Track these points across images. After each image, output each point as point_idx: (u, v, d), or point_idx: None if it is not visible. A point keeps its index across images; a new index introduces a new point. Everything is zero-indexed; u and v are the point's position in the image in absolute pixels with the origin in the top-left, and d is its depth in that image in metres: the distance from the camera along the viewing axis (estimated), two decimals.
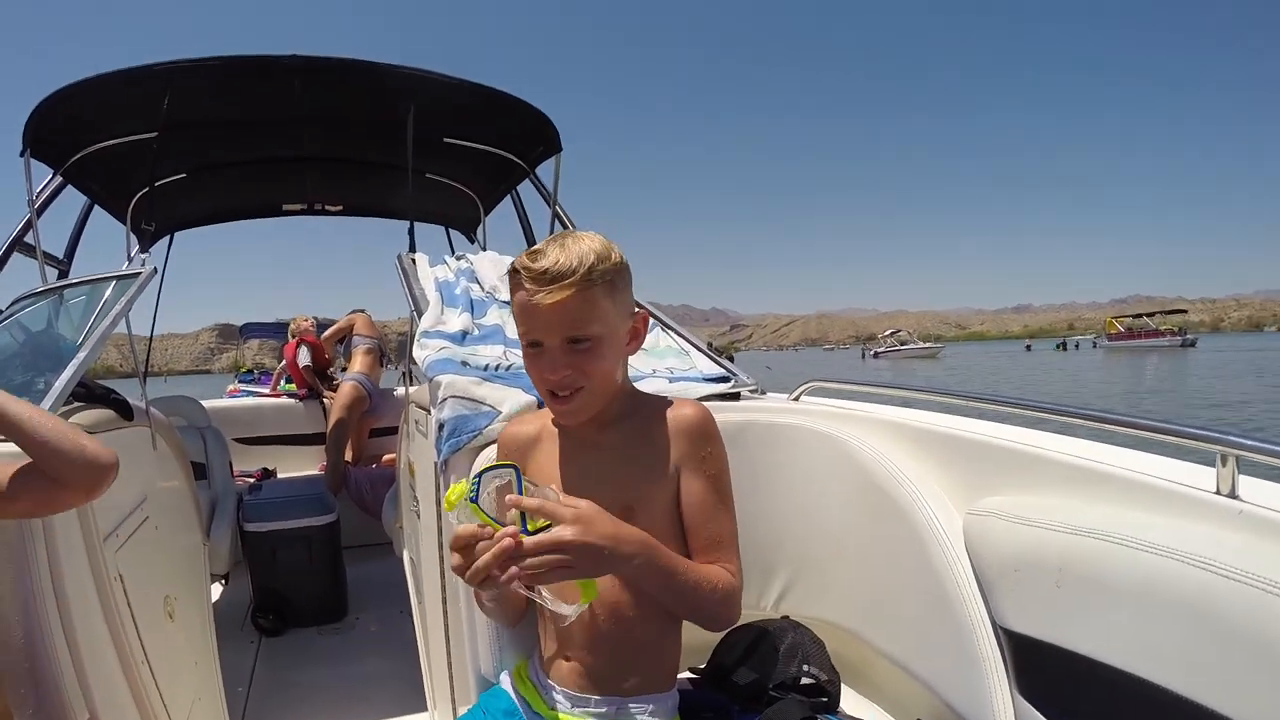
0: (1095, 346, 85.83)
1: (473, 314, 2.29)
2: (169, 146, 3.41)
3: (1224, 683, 0.99)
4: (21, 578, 1.50)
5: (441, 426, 1.74)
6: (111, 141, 3.33)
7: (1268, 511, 1.07)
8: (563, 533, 1.13)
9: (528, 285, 1.29)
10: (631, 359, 1.48)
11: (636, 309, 1.43)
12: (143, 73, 3.02)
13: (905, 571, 1.57)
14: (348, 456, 5.40)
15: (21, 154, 2.97)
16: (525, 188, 4.32)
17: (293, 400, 5.98)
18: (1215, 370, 34.19)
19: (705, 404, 1.49)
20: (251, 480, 5.05)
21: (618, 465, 1.37)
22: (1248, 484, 1.15)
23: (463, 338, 2.14)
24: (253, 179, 4.50)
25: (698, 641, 1.47)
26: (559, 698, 1.35)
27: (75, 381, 1.93)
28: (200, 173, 4.16)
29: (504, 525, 1.14)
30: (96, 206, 3.86)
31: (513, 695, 1.43)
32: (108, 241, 4.19)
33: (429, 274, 2.63)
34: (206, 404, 5.01)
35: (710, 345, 2.47)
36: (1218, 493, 1.15)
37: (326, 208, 4.96)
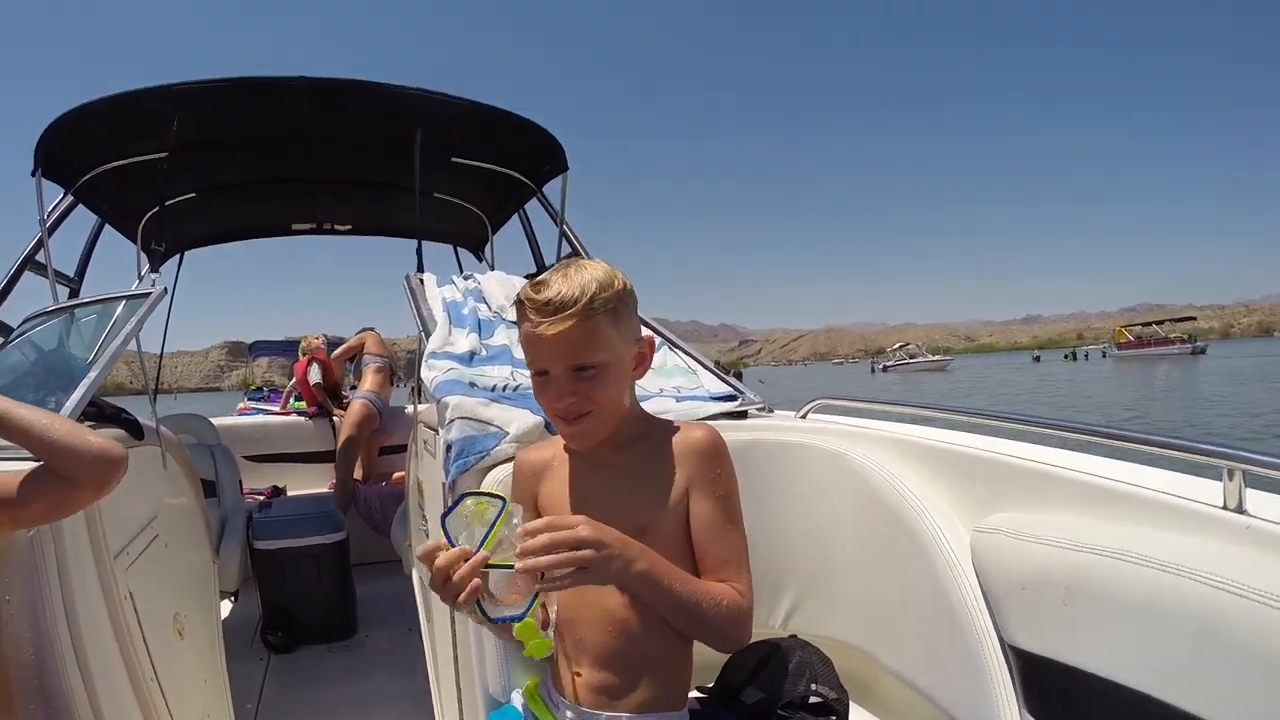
0: (1105, 356, 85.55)
1: (480, 334, 2.30)
2: (179, 166, 3.43)
3: (1231, 699, 0.99)
4: (32, 594, 1.51)
5: (449, 447, 1.75)
6: (122, 161, 3.35)
7: (1275, 526, 1.07)
8: (580, 530, 1.16)
9: (532, 316, 1.32)
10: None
11: (643, 334, 1.45)
12: (153, 93, 3.05)
13: (913, 589, 1.57)
14: (357, 474, 5.40)
15: (33, 173, 2.99)
16: (533, 206, 4.34)
17: (302, 418, 5.98)
18: (1225, 378, 34.08)
19: (713, 424, 1.51)
20: (261, 498, 5.06)
21: (629, 487, 1.39)
22: (1255, 498, 1.16)
23: (470, 358, 2.15)
24: (262, 198, 4.53)
25: (705, 661, 1.47)
26: (569, 714, 1.36)
27: (87, 400, 1.95)
28: (210, 192, 4.19)
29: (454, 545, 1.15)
30: (107, 225, 3.89)
31: (523, 714, 1.44)
32: (119, 260, 4.22)
33: (437, 294, 2.65)
34: (216, 422, 5.02)
35: (718, 362, 2.48)
36: (1225, 507, 1.15)
37: (335, 227, 4.98)
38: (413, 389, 5.84)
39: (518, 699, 1.48)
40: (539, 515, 1.40)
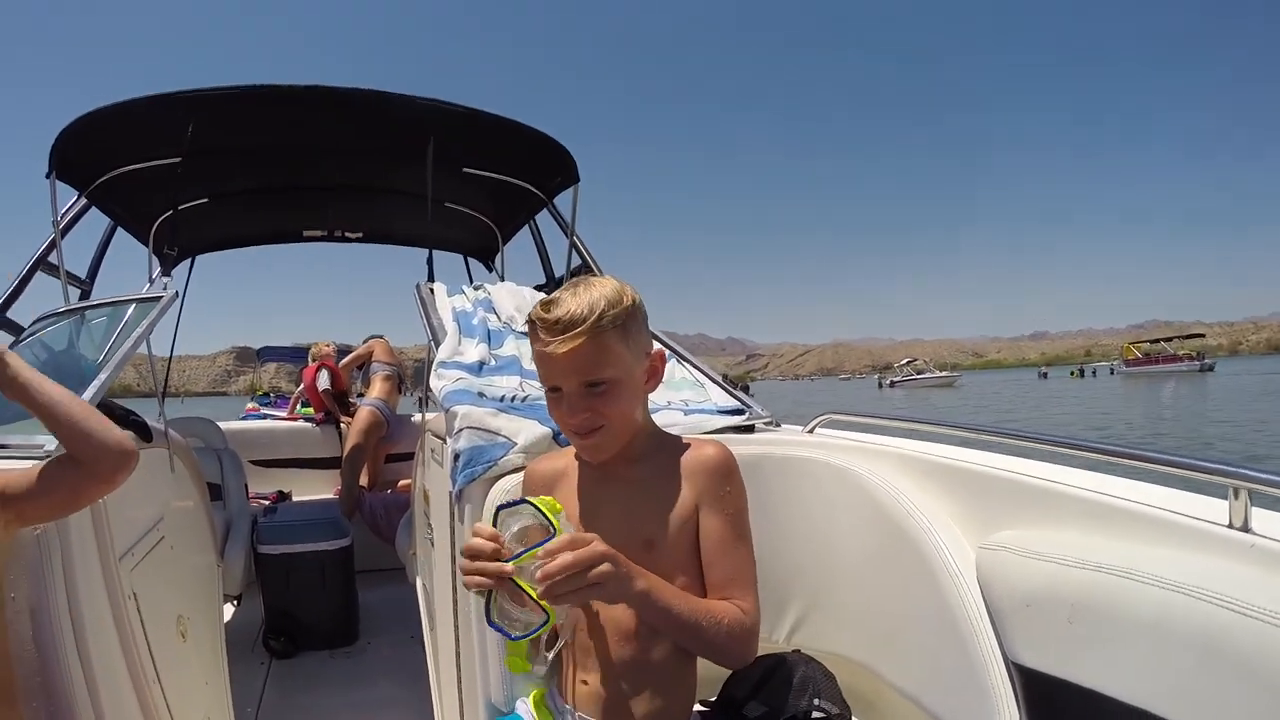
0: (1113, 373, 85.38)
1: (490, 345, 2.31)
2: (192, 172, 3.46)
3: (1236, 718, 0.99)
4: (37, 592, 1.52)
5: (457, 457, 1.76)
6: (135, 166, 3.38)
7: None
8: (595, 546, 1.18)
9: (543, 335, 1.35)
10: None
11: (654, 348, 1.47)
12: (168, 99, 3.08)
13: (917, 605, 1.57)
14: (363, 481, 5.42)
15: (47, 176, 3.01)
16: (543, 217, 4.35)
17: (309, 424, 6.00)
18: (1233, 395, 34.00)
19: (720, 437, 1.52)
20: (266, 502, 5.07)
21: (639, 500, 1.40)
22: (1260, 517, 1.16)
23: (479, 368, 2.16)
24: (274, 205, 4.55)
25: (708, 674, 1.47)
26: None
27: (97, 401, 1.96)
28: (222, 198, 4.22)
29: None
30: (119, 229, 3.91)
31: None
32: (130, 263, 4.24)
33: (447, 304, 2.66)
34: (223, 426, 5.04)
35: (725, 376, 2.48)
36: (1230, 526, 1.16)
37: (346, 235, 5.00)
38: (420, 398, 5.86)
39: (522, 708, 1.49)
40: None
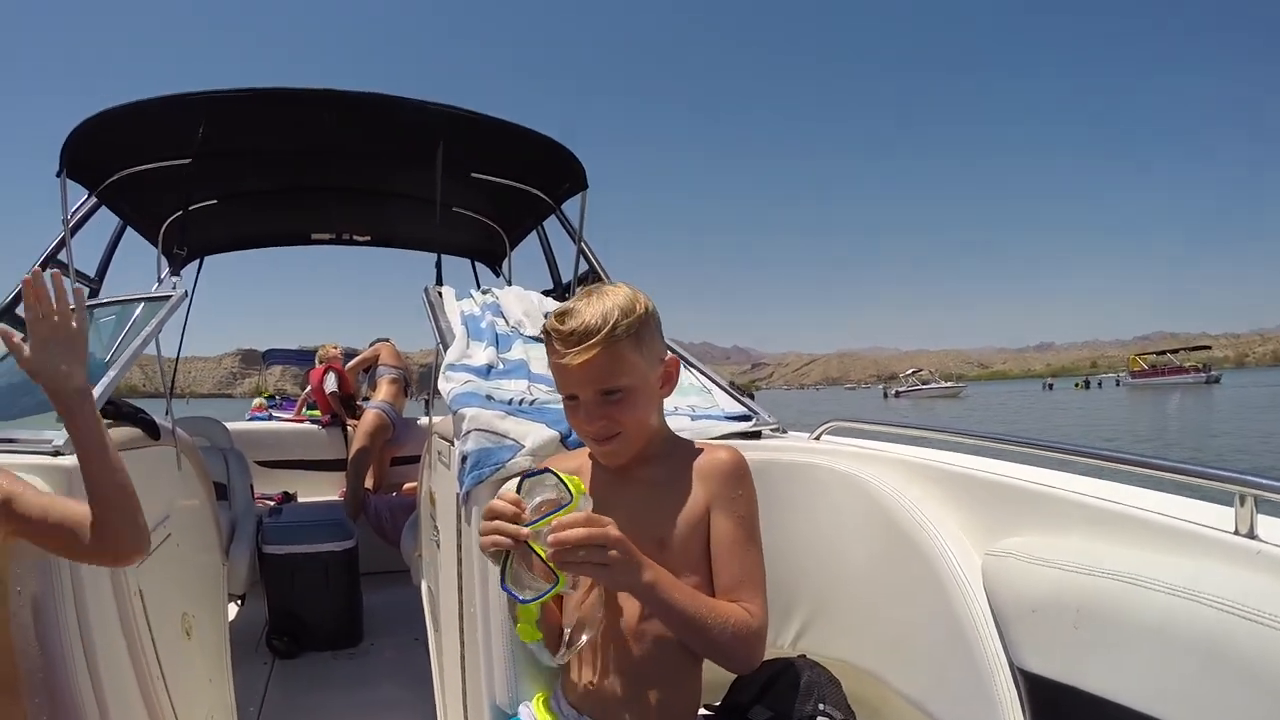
0: (1119, 384, 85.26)
1: (498, 348, 2.31)
2: (202, 173, 3.47)
3: None
4: (43, 587, 1.53)
5: (465, 458, 1.76)
6: (146, 166, 3.39)
7: None
8: (610, 530, 1.20)
9: (558, 346, 1.38)
10: None
11: (667, 354, 1.49)
12: (179, 100, 3.10)
13: (923, 611, 1.57)
14: (368, 484, 5.42)
15: (58, 174, 3.03)
16: (551, 223, 4.36)
17: (315, 426, 6.01)
18: (1240, 407, 33.92)
19: (728, 444, 1.53)
20: (272, 503, 5.07)
21: (652, 501, 1.41)
22: (1267, 524, 1.16)
23: (488, 371, 2.16)
24: (283, 207, 4.57)
25: (713, 678, 1.47)
26: None
27: (105, 398, 1.98)
28: (232, 199, 4.23)
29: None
30: (128, 228, 3.92)
31: None
32: (137, 263, 4.25)
33: (455, 307, 2.66)
34: (230, 426, 5.05)
35: (732, 382, 2.48)
36: (1236, 533, 1.16)
37: (354, 238, 5.01)
38: (426, 401, 5.86)
39: (525, 712, 1.49)
40: None
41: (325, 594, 4.04)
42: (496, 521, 1.23)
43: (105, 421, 2.05)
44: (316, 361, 6.39)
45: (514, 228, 4.75)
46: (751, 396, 2.48)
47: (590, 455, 1.51)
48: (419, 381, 6.38)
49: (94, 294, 3.48)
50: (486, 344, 2.32)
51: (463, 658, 2.01)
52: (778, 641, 1.84)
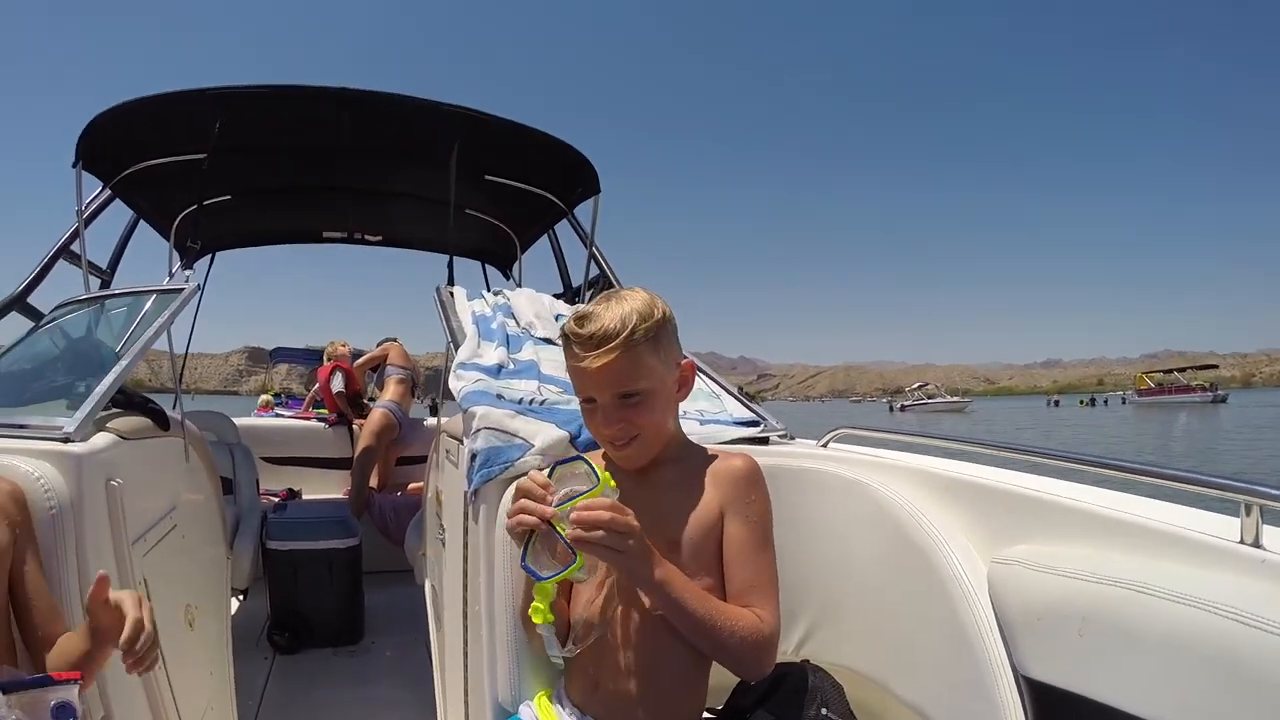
0: (1125, 402, 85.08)
1: (508, 349, 2.32)
2: (217, 168, 3.49)
3: None
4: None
5: (474, 456, 1.76)
6: (161, 160, 3.41)
7: None
8: (631, 519, 1.23)
9: (576, 350, 1.40)
10: None
11: (684, 358, 1.51)
12: (196, 95, 3.12)
13: (928, 619, 1.56)
14: (373, 483, 5.43)
15: (74, 165, 3.05)
16: (563, 227, 4.37)
17: (322, 424, 6.03)
18: (1246, 428, 33.81)
19: (736, 449, 1.54)
20: (276, 499, 5.09)
21: (667, 503, 1.42)
22: (1272, 534, 1.17)
23: (498, 371, 2.17)
24: (296, 205, 4.59)
25: (716, 683, 1.48)
26: None
27: (116, 388, 1.99)
28: (245, 195, 4.25)
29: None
30: (141, 221, 3.94)
31: None
32: (148, 255, 4.27)
33: (466, 307, 2.66)
34: (237, 421, 5.06)
35: (741, 388, 2.48)
36: (1242, 542, 1.16)
37: (366, 237, 5.02)
38: (432, 403, 5.86)
39: (526, 711, 1.49)
40: None
41: (328, 591, 4.05)
42: (523, 501, 1.26)
43: (115, 410, 2.07)
44: (324, 359, 6.40)
45: (525, 231, 4.76)
46: None
47: (605, 457, 1.52)
48: (425, 384, 6.39)
49: (106, 285, 3.50)
50: (497, 344, 2.32)
51: (465, 656, 2.01)
52: (781, 647, 1.84)
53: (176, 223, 4.08)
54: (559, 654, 1.31)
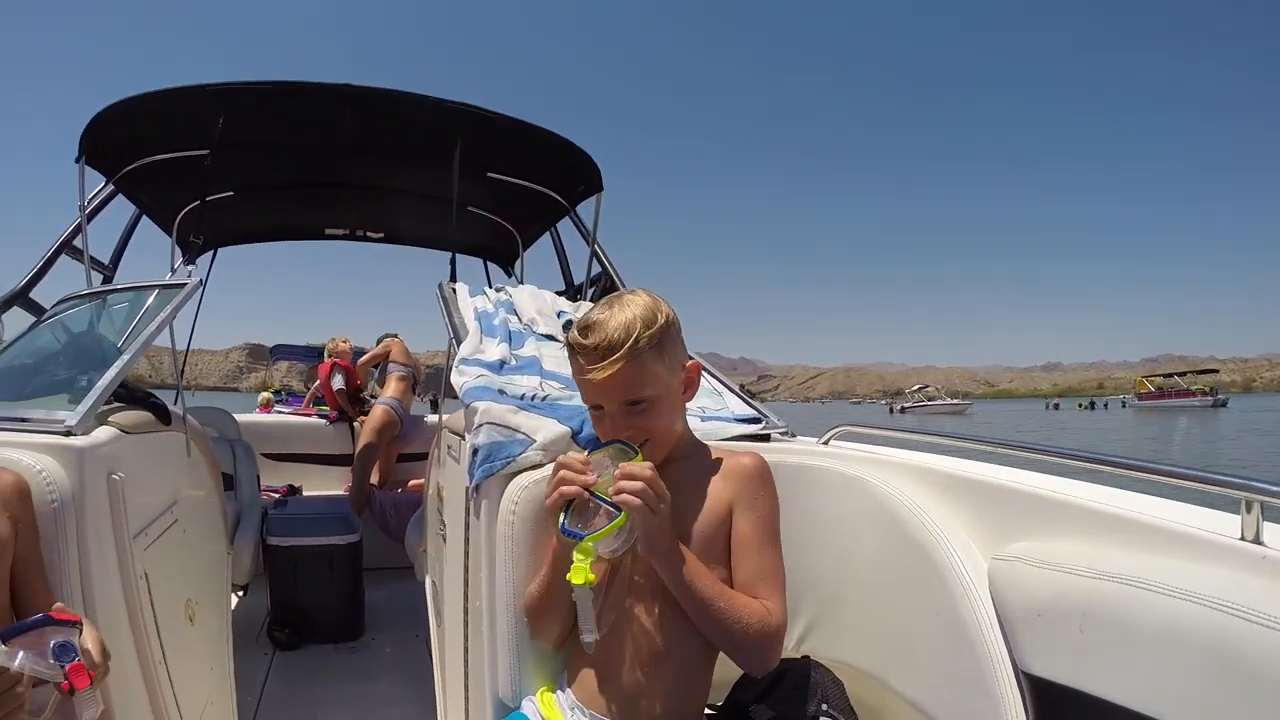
0: (1125, 406, 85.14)
1: (510, 345, 2.32)
2: (220, 164, 3.50)
3: None
4: (50, 563, 1.54)
5: (476, 451, 1.76)
6: (164, 156, 3.42)
7: None
8: (664, 490, 1.32)
9: (581, 360, 1.42)
10: None
11: (689, 359, 1.54)
12: (199, 91, 3.12)
13: (928, 615, 1.57)
14: (374, 479, 5.43)
15: (76, 160, 3.05)
16: (565, 225, 4.38)
17: (323, 420, 6.03)
18: (1245, 432, 33.83)
19: (737, 446, 1.55)
20: (277, 495, 5.09)
21: (676, 500, 1.41)
22: (1273, 530, 1.17)
23: (500, 367, 2.17)
24: (298, 202, 4.59)
25: (717, 678, 1.48)
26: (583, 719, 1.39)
27: (119, 382, 1.99)
28: (248, 191, 4.26)
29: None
30: (144, 217, 3.95)
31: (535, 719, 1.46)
32: (150, 250, 4.28)
33: (469, 303, 2.67)
34: (238, 417, 5.06)
35: (743, 386, 2.48)
36: (1243, 539, 1.17)
37: (368, 234, 5.03)
38: (433, 400, 5.86)
39: (529, 706, 1.49)
40: None
41: (328, 587, 4.06)
42: (564, 473, 1.33)
43: (117, 404, 2.08)
44: (325, 355, 6.40)
45: (528, 228, 4.77)
46: None
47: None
48: (426, 381, 6.39)
49: (108, 280, 3.51)
50: (499, 340, 2.32)
51: (466, 652, 2.01)
52: None
53: (179, 218, 4.09)
54: (592, 629, 1.32)
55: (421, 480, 4.55)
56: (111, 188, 3.37)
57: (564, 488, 1.33)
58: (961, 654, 1.45)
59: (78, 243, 3.13)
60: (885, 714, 1.71)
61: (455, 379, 2.11)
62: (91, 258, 3.19)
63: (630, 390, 1.40)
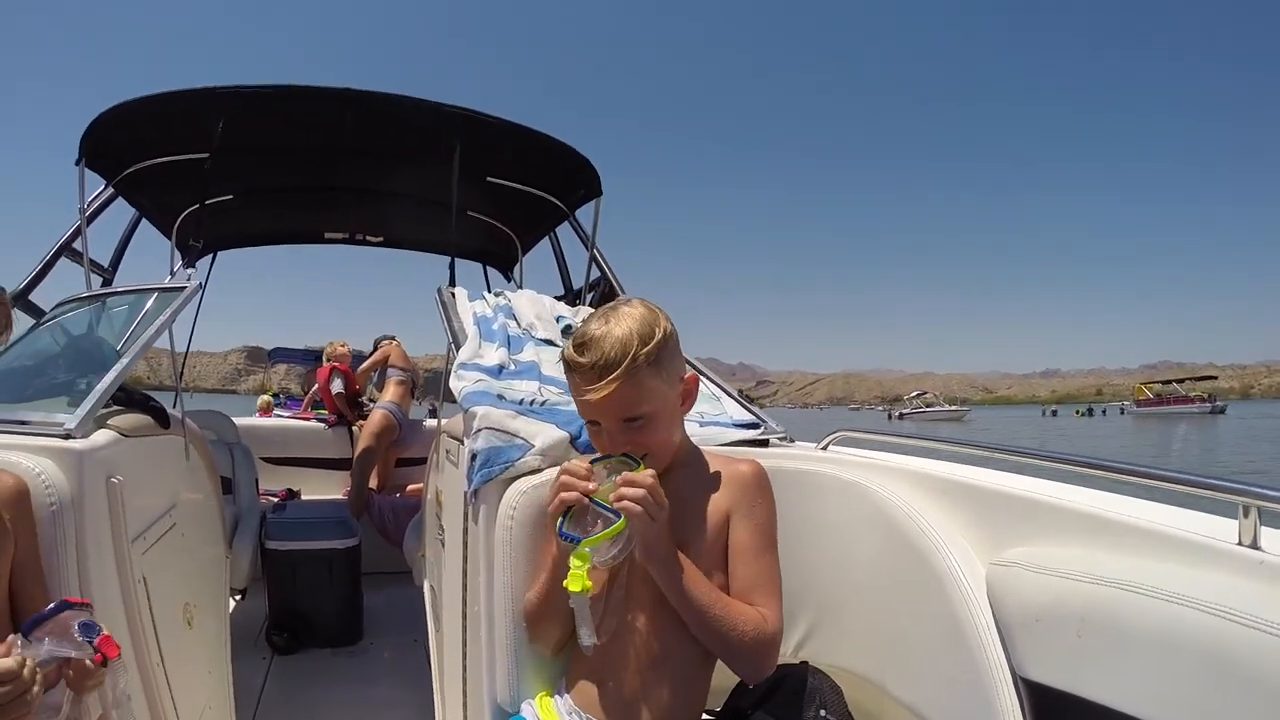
0: (1123, 413, 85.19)
1: (509, 349, 2.32)
2: (220, 168, 3.49)
3: None
4: (49, 566, 1.54)
5: (474, 456, 1.76)
6: (164, 159, 3.42)
7: None
8: (664, 499, 1.32)
9: (577, 379, 1.41)
10: None
11: (687, 371, 1.52)
12: (199, 95, 3.12)
13: (926, 620, 1.57)
14: (372, 484, 5.43)
15: (77, 163, 3.06)
16: (564, 229, 4.38)
17: (322, 425, 6.03)
18: (1244, 439, 33.84)
19: (736, 451, 1.55)
20: (275, 499, 5.09)
21: (673, 509, 1.41)
22: (1270, 536, 1.17)
23: (499, 371, 2.17)
24: (298, 205, 4.59)
25: (715, 684, 1.48)
26: None
27: (117, 385, 1.99)
28: (247, 195, 4.26)
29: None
30: (143, 220, 3.95)
31: None
32: (150, 253, 4.28)
33: (468, 308, 2.66)
34: (237, 421, 5.06)
35: (741, 391, 2.48)
36: (1239, 544, 1.17)
37: (367, 238, 5.03)
38: (431, 405, 5.86)
39: (528, 710, 1.49)
40: None
41: (326, 591, 4.05)
42: (566, 478, 1.33)
43: (116, 408, 2.08)
44: (324, 359, 6.40)
45: (527, 232, 4.77)
46: None
47: None
48: (424, 385, 6.39)
49: (107, 283, 3.51)
50: (498, 345, 2.32)
51: (464, 656, 2.01)
52: (780, 648, 1.84)
53: (178, 222, 4.09)
54: (590, 634, 1.31)
55: (420, 485, 4.55)
56: (111, 191, 3.37)
57: (564, 493, 1.33)
58: (959, 659, 1.45)
59: (77, 245, 3.13)
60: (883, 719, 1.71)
61: (454, 384, 2.11)
62: (91, 260, 3.19)
63: (628, 409, 1.39)
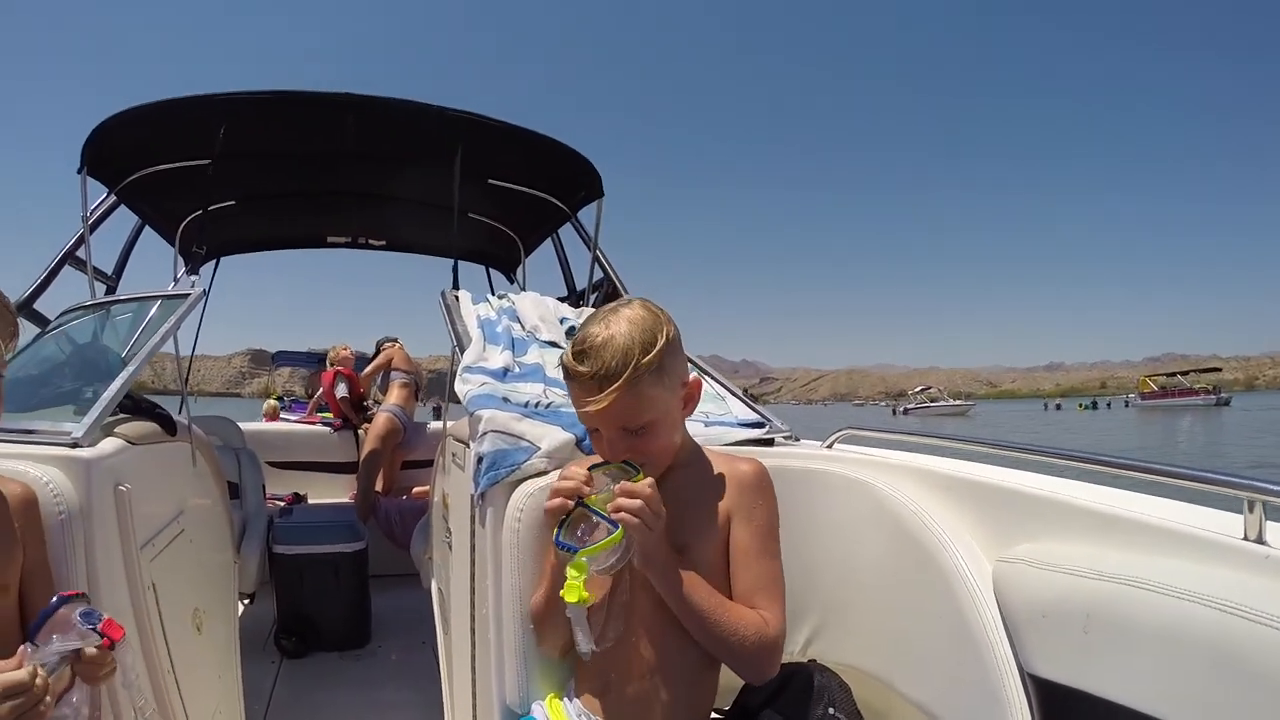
0: (1128, 405, 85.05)
1: (514, 352, 2.32)
2: (222, 174, 3.50)
3: None
4: (58, 573, 1.55)
5: (480, 459, 1.76)
6: (166, 166, 3.42)
7: None
8: (661, 508, 1.29)
9: (577, 389, 1.39)
10: None
11: (689, 374, 1.50)
12: (201, 101, 3.13)
13: (934, 618, 1.57)
14: (378, 487, 5.43)
15: (79, 171, 3.06)
16: (566, 230, 4.38)
17: (327, 428, 6.02)
18: (1249, 429, 33.80)
19: (740, 451, 1.55)
20: (282, 504, 5.09)
21: (674, 509, 1.40)
22: (1276, 530, 1.17)
23: (504, 374, 2.17)
24: (300, 210, 4.60)
25: (723, 684, 1.48)
26: None
27: (124, 393, 2.00)
28: (250, 201, 4.27)
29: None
30: (146, 227, 3.96)
31: None
32: (153, 260, 4.28)
33: (471, 311, 2.67)
34: (243, 426, 5.06)
35: (746, 390, 2.49)
36: (1245, 539, 1.17)
37: (370, 242, 5.03)
38: (436, 407, 5.85)
39: (538, 711, 1.50)
40: None
41: (334, 595, 4.06)
42: (563, 484, 1.33)
43: (123, 415, 2.08)
44: (327, 364, 6.40)
45: (529, 235, 4.77)
46: None
47: None
48: (428, 387, 6.39)
49: (111, 291, 3.52)
50: (503, 348, 2.32)
51: (473, 658, 2.01)
52: (788, 647, 1.84)
53: (181, 228, 4.10)
54: (588, 641, 1.31)
55: (426, 487, 4.55)
56: (114, 198, 3.38)
57: (562, 500, 1.33)
58: (967, 656, 1.46)
59: (80, 253, 3.14)
60: (891, 717, 1.71)
61: (459, 387, 2.11)
62: (94, 268, 3.20)
63: (629, 419, 1.37)
